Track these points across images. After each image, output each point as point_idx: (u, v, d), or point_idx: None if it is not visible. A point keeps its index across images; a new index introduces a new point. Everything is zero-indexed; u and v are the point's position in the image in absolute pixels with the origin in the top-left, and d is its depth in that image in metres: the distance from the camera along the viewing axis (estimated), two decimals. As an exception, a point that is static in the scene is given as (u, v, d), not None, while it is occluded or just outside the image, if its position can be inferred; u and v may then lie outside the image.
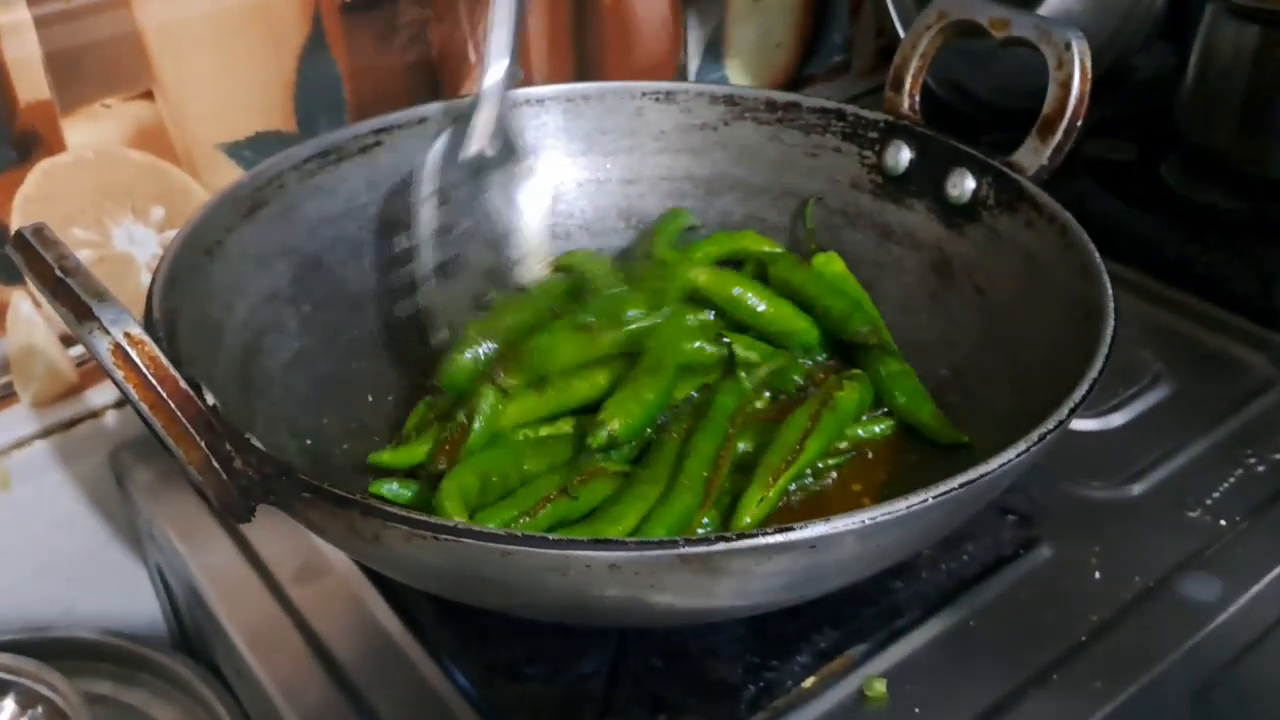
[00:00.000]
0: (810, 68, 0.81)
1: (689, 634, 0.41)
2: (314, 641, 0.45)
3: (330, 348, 0.49)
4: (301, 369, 0.47)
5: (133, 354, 0.28)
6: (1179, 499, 0.49)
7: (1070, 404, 0.34)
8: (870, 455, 0.47)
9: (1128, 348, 0.59)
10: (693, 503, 0.42)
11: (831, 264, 0.53)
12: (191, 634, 0.57)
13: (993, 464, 0.32)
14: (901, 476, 0.46)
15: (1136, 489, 0.50)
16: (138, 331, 0.29)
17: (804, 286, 0.52)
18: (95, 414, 0.56)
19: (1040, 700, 0.40)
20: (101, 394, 0.56)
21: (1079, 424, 0.54)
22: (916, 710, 0.40)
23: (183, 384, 0.29)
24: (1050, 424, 0.33)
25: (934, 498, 0.31)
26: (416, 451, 0.45)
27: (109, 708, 0.50)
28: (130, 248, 0.54)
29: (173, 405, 0.29)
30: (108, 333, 0.28)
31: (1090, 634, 0.43)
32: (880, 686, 0.41)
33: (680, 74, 0.74)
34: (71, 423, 0.56)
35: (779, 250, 0.55)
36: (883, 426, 0.48)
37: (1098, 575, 0.45)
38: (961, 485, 0.31)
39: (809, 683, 0.41)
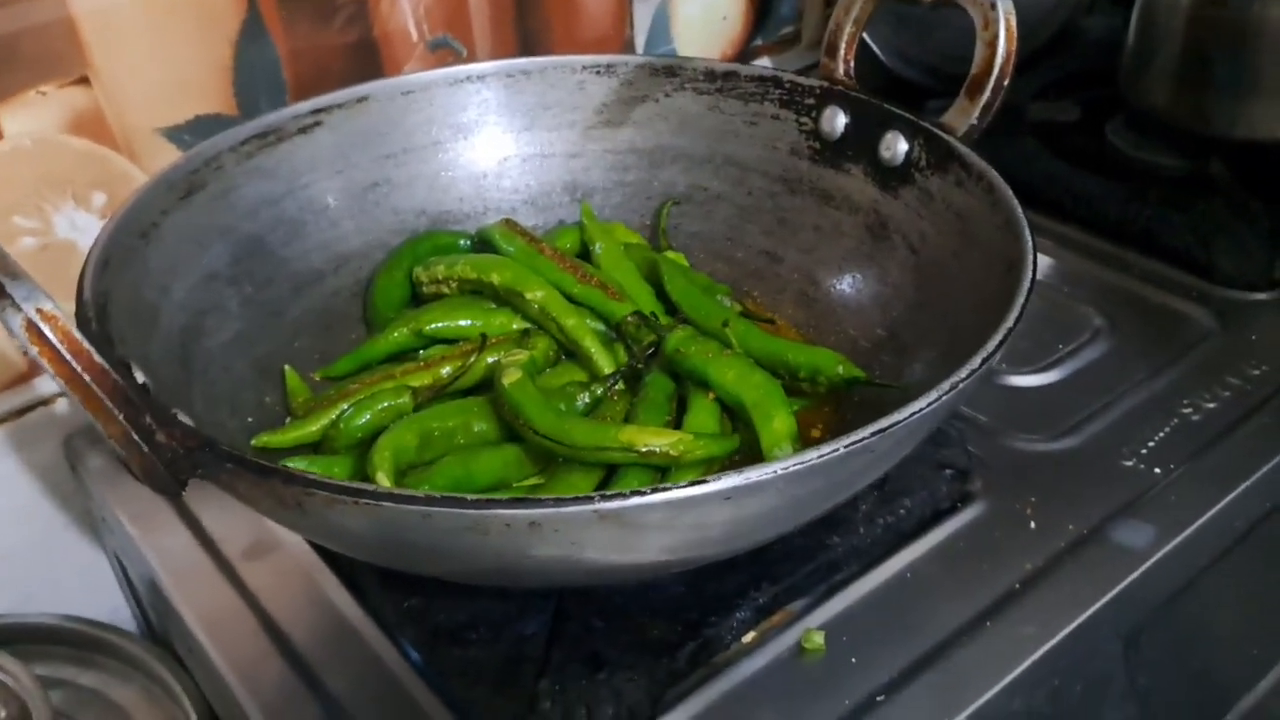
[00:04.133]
0: (759, 39, 0.81)
1: (629, 594, 0.42)
2: (264, 617, 0.45)
3: (272, 327, 0.50)
4: (242, 349, 0.47)
5: (45, 329, 0.29)
6: (1115, 449, 0.50)
7: (984, 353, 0.35)
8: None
9: (1070, 305, 0.60)
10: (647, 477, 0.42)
11: (679, 262, 0.55)
12: (153, 618, 0.58)
13: (904, 412, 0.32)
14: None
15: (1073, 441, 0.50)
16: (50, 307, 0.29)
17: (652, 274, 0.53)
18: (45, 402, 0.56)
19: (972, 648, 0.41)
20: (52, 382, 0.56)
21: (1018, 380, 0.54)
22: (853, 660, 0.41)
23: (97, 358, 0.29)
24: (963, 373, 0.34)
25: (845, 447, 0.31)
26: (306, 431, 0.45)
27: (67, 690, 0.51)
28: (73, 234, 0.54)
29: (88, 379, 0.29)
30: (20, 309, 0.29)
31: (1024, 582, 0.44)
32: (818, 639, 0.42)
33: (628, 49, 0.74)
34: (22, 411, 0.56)
35: (638, 240, 0.57)
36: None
37: (1033, 525, 0.46)
38: (873, 434, 0.32)
39: (749, 638, 0.42)
